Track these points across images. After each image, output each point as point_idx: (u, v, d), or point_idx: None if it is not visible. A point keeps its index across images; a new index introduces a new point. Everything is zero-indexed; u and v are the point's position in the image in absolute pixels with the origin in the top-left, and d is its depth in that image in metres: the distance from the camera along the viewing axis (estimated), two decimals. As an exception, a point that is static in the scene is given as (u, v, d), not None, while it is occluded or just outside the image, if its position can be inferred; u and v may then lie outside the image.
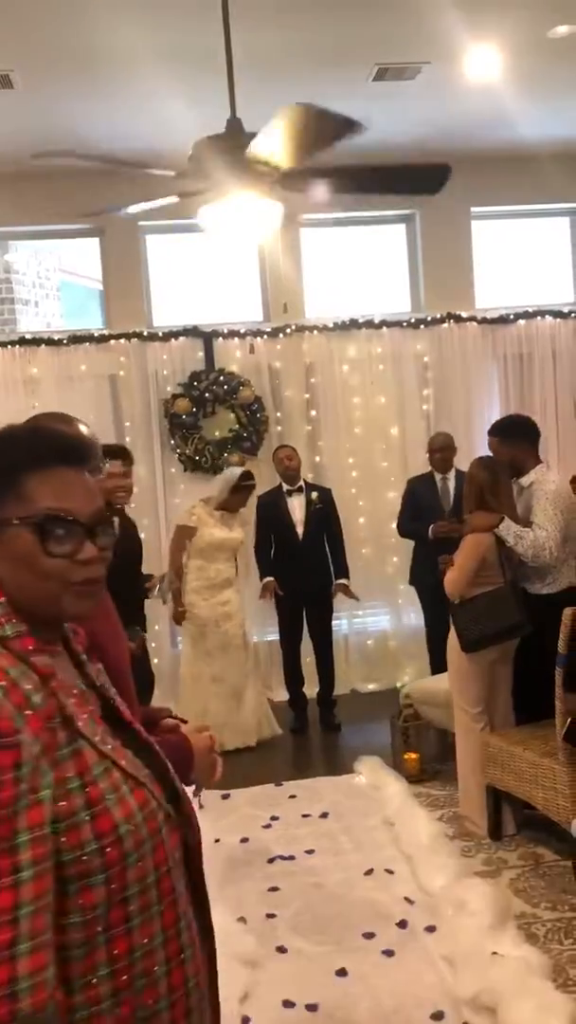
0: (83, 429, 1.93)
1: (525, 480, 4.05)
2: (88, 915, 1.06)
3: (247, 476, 5.50)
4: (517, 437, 4.12)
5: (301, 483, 5.69)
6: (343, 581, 5.62)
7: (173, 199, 3.52)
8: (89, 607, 1.21)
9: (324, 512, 5.63)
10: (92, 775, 1.09)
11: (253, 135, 3.00)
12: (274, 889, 3.62)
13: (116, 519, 3.92)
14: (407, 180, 3.31)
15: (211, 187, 3.16)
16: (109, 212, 4.32)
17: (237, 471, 5.53)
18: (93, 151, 5.53)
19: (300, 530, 5.59)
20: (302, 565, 5.55)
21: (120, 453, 4.31)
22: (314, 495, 5.64)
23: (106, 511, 1.22)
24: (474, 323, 6.66)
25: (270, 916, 3.41)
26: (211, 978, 1.29)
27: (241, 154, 2.98)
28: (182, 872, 1.22)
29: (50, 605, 1.17)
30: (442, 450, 5.66)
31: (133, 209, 3.94)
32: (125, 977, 1.09)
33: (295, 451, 5.79)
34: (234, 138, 3.17)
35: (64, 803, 1.05)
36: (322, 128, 2.78)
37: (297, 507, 5.63)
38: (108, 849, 1.07)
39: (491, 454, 4.16)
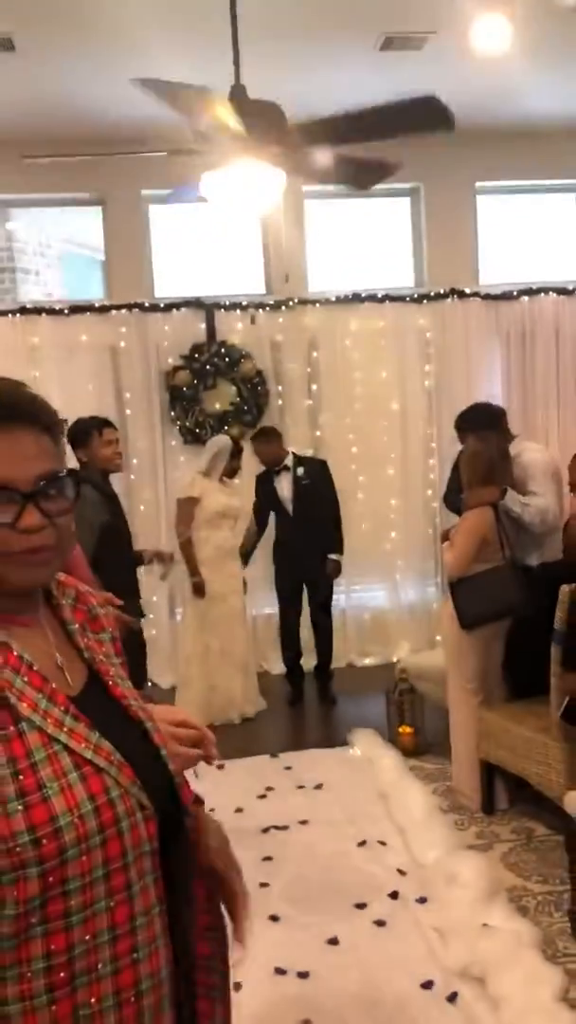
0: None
1: (511, 451, 4.12)
2: (22, 907, 0.99)
3: (236, 440, 5.55)
4: (481, 425, 4.19)
5: (286, 462, 5.65)
6: (333, 556, 5.60)
7: (192, 148, 3.45)
8: (40, 576, 1.13)
9: (312, 486, 5.58)
10: (30, 761, 1.02)
11: (257, 102, 2.97)
12: (267, 859, 3.64)
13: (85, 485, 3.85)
14: (410, 118, 3.22)
15: (212, 150, 3.12)
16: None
17: (225, 438, 5.52)
18: (91, 117, 5.51)
19: (290, 507, 5.58)
20: (296, 541, 5.57)
21: (108, 422, 4.46)
22: (300, 471, 5.60)
23: (61, 473, 1.11)
24: (477, 299, 6.61)
25: (263, 885, 3.44)
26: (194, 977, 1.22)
27: (245, 120, 2.94)
28: (151, 865, 1.13)
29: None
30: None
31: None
32: (63, 974, 1.02)
33: (265, 439, 5.68)
34: (238, 104, 3.13)
35: None
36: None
37: (285, 485, 5.61)
38: (44, 841, 0.99)
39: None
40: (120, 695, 1.19)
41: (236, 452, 5.43)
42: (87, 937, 1.03)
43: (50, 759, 1.03)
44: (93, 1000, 1.04)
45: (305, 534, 5.55)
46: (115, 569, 3.94)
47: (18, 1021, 1.00)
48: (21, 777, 1.00)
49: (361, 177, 3.88)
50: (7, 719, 1.03)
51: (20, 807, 0.99)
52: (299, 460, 5.69)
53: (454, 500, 5.61)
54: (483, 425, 4.20)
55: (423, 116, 3.14)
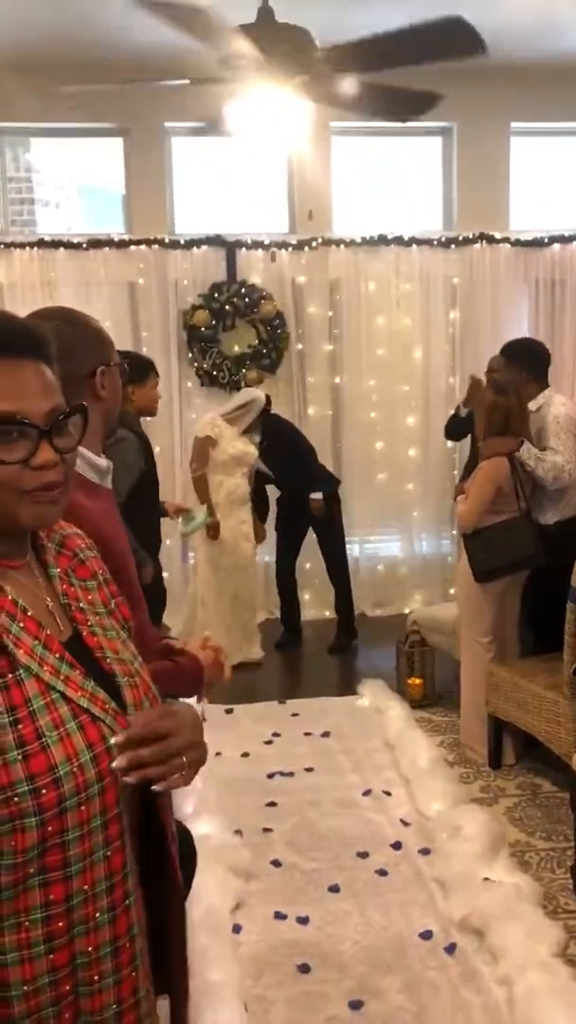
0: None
1: (532, 404, 4.05)
2: (20, 857, 0.99)
3: (268, 400, 5.52)
4: (522, 360, 4.13)
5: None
6: (314, 496, 5.53)
7: (183, 81, 3.32)
8: (52, 514, 1.10)
9: (272, 445, 5.50)
10: (29, 709, 1.00)
11: (285, 26, 2.82)
12: (272, 804, 3.65)
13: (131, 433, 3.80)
14: (436, 41, 3.06)
15: (236, 77, 2.98)
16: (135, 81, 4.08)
17: (261, 395, 5.46)
18: (116, 44, 5.32)
19: (267, 469, 5.59)
20: (285, 496, 5.71)
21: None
22: (256, 439, 5.51)
23: (66, 408, 1.09)
24: (507, 245, 6.41)
25: (266, 830, 3.45)
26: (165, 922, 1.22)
27: (271, 45, 2.80)
28: (137, 814, 1.14)
29: (3, 516, 1.06)
30: (498, 371, 5.47)
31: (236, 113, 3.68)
32: (62, 924, 1.02)
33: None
34: (265, 28, 2.98)
35: None
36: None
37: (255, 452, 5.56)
38: (43, 791, 0.98)
39: None
40: (95, 645, 1.15)
41: (265, 410, 5.42)
42: (85, 887, 1.04)
43: (48, 707, 1.02)
44: (91, 948, 1.05)
45: (288, 487, 5.64)
46: (144, 517, 3.84)
47: (15, 970, 1.01)
48: (20, 726, 0.99)
49: (404, 107, 3.66)
50: (5, 666, 1.01)
51: (19, 756, 0.98)
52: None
53: (452, 428, 5.53)
54: (525, 361, 4.11)
55: (452, 40, 2.98)
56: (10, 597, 1.06)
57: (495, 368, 5.38)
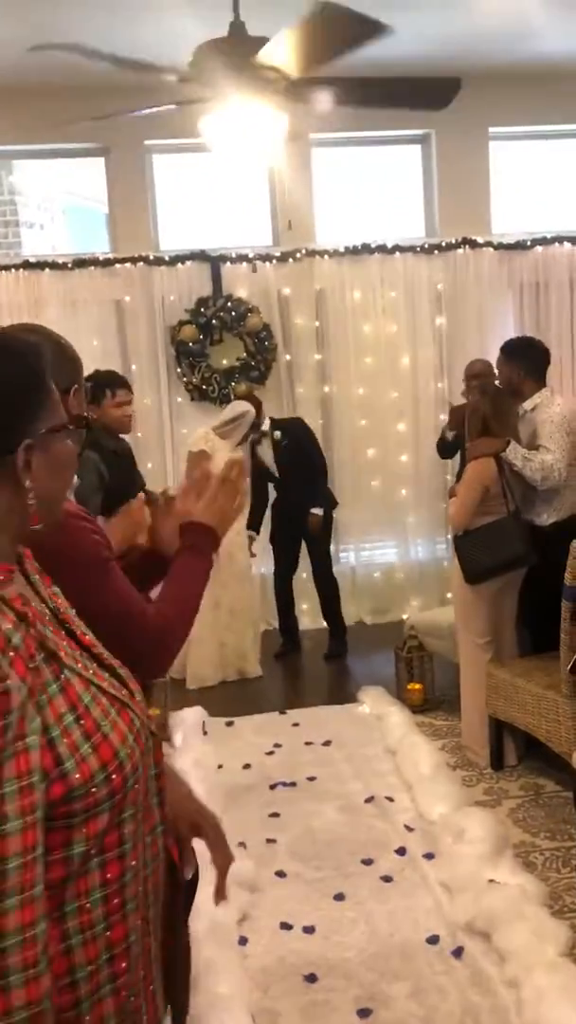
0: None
1: (528, 404, 4.04)
2: (90, 844, 1.03)
3: (260, 410, 5.51)
4: (520, 358, 4.10)
5: (264, 427, 5.54)
6: (314, 510, 5.54)
7: (171, 107, 3.36)
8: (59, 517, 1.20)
9: (292, 447, 5.53)
10: (83, 705, 1.05)
11: (257, 39, 2.85)
12: (275, 815, 3.64)
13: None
14: (413, 94, 3.13)
15: (214, 95, 3.00)
16: (111, 116, 4.12)
17: (251, 408, 5.44)
18: (94, 65, 5.35)
19: (275, 470, 5.57)
20: (286, 503, 5.62)
21: (124, 382, 4.37)
22: (277, 434, 5.53)
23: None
24: (490, 249, 6.45)
25: (270, 841, 3.45)
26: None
27: (244, 59, 2.83)
28: (156, 787, 1.19)
29: (55, 512, 1.14)
30: (479, 376, 5.47)
31: (137, 113, 3.74)
32: (116, 900, 1.06)
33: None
34: (237, 42, 3.01)
35: (67, 740, 1.01)
36: (341, 29, 2.60)
37: (266, 451, 5.57)
38: (114, 776, 1.04)
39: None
40: (89, 643, 1.20)
41: (256, 425, 5.40)
42: (133, 863, 1.09)
43: (95, 700, 1.08)
44: (140, 922, 1.10)
45: (293, 495, 5.57)
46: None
47: (79, 953, 1.03)
48: (82, 721, 1.04)
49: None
50: (56, 669, 1.05)
51: (90, 749, 1.03)
52: (275, 424, 5.62)
53: (441, 450, 5.55)
54: (524, 359, 4.09)
55: (431, 93, 3.04)
56: (33, 604, 1.09)
57: (476, 374, 5.43)
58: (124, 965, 1.07)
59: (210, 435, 5.31)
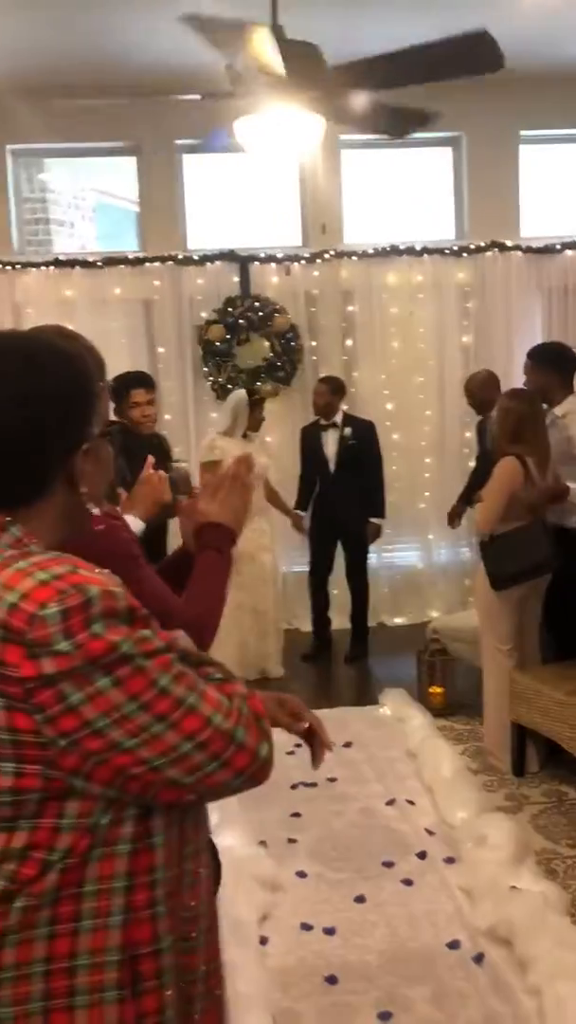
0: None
1: (559, 410, 4.00)
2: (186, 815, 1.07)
3: (252, 392, 5.42)
4: (549, 364, 4.06)
5: (336, 419, 5.57)
6: (375, 520, 5.56)
7: (195, 97, 3.37)
8: None
9: (358, 448, 5.52)
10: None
11: (295, 42, 2.85)
12: (296, 815, 3.65)
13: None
14: (452, 60, 3.07)
15: (249, 96, 3.01)
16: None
17: (240, 391, 5.38)
18: (126, 64, 5.38)
19: (332, 466, 5.53)
20: (333, 501, 5.52)
21: (143, 380, 4.38)
22: (347, 431, 5.52)
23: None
24: (519, 252, 6.44)
25: (291, 841, 3.45)
26: None
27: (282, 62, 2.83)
28: None
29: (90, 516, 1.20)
30: (483, 387, 5.40)
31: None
32: (172, 874, 1.05)
33: (327, 387, 5.60)
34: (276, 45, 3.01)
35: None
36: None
37: (330, 442, 5.55)
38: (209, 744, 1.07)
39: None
40: None
41: (254, 404, 5.27)
42: (197, 837, 1.10)
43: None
44: (193, 903, 1.08)
45: (345, 494, 5.49)
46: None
47: (164, 922, 1.02)
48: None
49: (397, 125, 3.75)
50: None
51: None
52: (348, 419, 5.61)
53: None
54: (554, 365, 4.04)
55: (471, 55, 3.00)
56: None
57: (472, 390, 5.37)
58: (194, 934, 1.09)
59: (215, 442, 5.22)
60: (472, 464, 5.81)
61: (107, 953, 0.99)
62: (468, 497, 5.40)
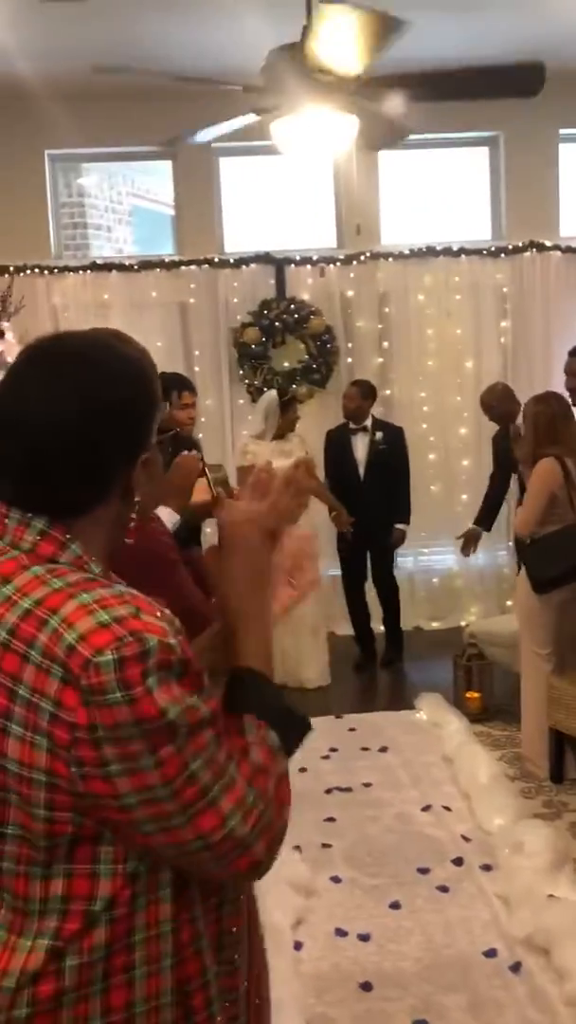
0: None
1: None
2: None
3: (283, 391, 5.38)
4: None
5: (366, 423, 5.53)
6: (400, 526, 5.51)
7: (251, 117, 3.37)
8: None
9: (388, 452, 5.48)
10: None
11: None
12: (330, 820, 3.63)
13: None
14: (494, 85, 3.07)
15: (285, 101, 3.00)
16: (186, 140, 4.16)
17: (271, 392, 5.36)
18: (161, 66, 5.40)
19: (361, 470, 5.49)
20: (362, 505, 5.45)
21: (189, 384, 4.39)
22: (378, 435, 5.48)
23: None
24: (558, 252, 6.36)
25: (325, 846, 3.44)
26: None
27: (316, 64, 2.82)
28: None
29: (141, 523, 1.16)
30: (501, 400, 5.26)
31: (207, 135, 3.78)
32: (214, 898, 1.05)
33: (358, 391, 5.54)
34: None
35: None
36: (367, 27, 2.58)
37: (360, 446, 5.51)
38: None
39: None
40: None
41: (286, 404, 5.22)
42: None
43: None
44: (235, 929, 1.08)
45: (373, 500, 5.43)
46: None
47: (209, 956, 1.03)
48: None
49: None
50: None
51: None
52: (379, 424, 5.58)
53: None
54: None
55: (519, 81, 2.98)
56: None
57: (491, 403, 5.26)
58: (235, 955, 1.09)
59: (248, 446, 5.19)
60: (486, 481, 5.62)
61: (162, 996, 0.99)
62: (488, 519, 5.32)
